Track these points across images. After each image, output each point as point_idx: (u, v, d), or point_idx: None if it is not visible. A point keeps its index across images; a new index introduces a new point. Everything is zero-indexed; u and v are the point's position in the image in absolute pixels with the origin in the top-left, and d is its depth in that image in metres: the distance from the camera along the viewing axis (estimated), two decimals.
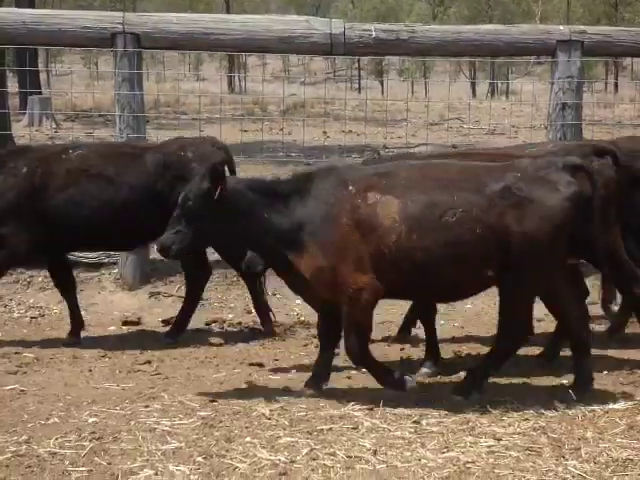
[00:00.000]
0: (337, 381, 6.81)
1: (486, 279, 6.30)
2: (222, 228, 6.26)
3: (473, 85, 48.83)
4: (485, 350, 7.23)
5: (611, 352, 7.68)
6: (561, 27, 10.25)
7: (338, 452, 5.47)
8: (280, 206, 6.28)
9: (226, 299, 8.87)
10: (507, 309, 6.36)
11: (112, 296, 8.43)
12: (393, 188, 6.21)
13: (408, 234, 6.09)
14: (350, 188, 6.25)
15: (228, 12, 51.58)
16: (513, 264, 6.13)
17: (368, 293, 6.21)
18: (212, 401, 6.34)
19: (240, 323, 8.56)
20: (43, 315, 8.58)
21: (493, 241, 6.11)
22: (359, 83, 51.76)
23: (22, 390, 6.62)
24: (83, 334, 8.04)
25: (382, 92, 43.00)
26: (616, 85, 52.93)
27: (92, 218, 7.70)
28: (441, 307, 7.82)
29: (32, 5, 27.31)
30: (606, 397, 6.53)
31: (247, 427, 5.86)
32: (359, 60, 46.50)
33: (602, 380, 6.95)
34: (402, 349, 7.79)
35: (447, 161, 6.98)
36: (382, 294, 6.32)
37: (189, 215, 6.23)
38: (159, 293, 9.17)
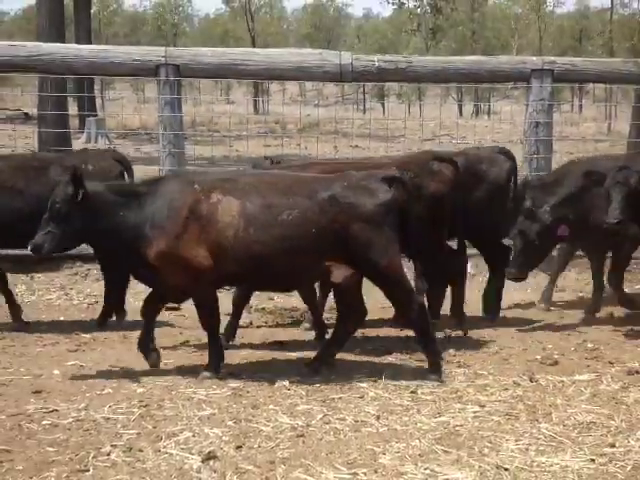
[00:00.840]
0: (346, 358, 6.79)
1: (318, 272, 6.26)
2: (88, 227, 6.16)
3: (460, 106, 48.58)
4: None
5: (577, 331, 7.65)
6: (534, 58, 10.21)
7: (347, 417, 5.47)
8: (135, 205, 6.18)
9: None
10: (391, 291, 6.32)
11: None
12: (234, 190, 6.16)
13: (245, 229, 6.04)
14: (195, 187, 6.18)
15: (254, 46, 51.47)
16: (349, 257, 6.12)
17: (206, 278, 6.14)
18: (240, 374, 6.33)
19: (264, 308, 8.54)
20: (98, 302, 8.56)
21: (324, 239, 6.06)
22: (364, 105, 51.60)
23: (81, 365, 6.63)
24: (133, 318, 8.02)
25: (383, 113, 42.87)
26: (580, 107, 52.70)
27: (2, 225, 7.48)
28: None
29: (89, 41, 27.33)
30: (573, 369, 6.50)
31: (270, 396, 5.86)
32: (364, 86, 46.36)
33: (570, 355, 6.93)
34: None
35: (285, 172, 6.93)
36: (223, 280, 6.35)
37: (57, 217, 6.15)
38: None
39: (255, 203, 6.09)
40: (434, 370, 6.25)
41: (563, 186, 7.67)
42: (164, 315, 8.15)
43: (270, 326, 7.98)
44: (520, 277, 7.65)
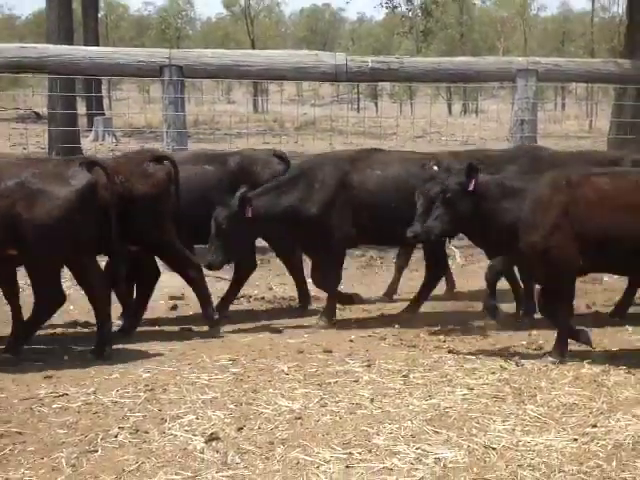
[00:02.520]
0: (341, 344, 6.79)
1: (8, 257, 6.19)
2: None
3: (449, 105, 48.55)
4: None
5: None
6: (520, 59, 10.21)
7: (342, 400, 5.46)
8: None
9: (251, 278, 8.81)
10: (35, 283, 6.28)
11: (161, 276, 8.36)
12: None
13: None
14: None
15: (253, 48, 51.36)
16: (27, 243, 6.03)
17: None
18: (241, 360, 6.32)
19: (263, 298, 8.53)
20: None
21: (7, 225, 5.97)
22: (358, 104, 51.56)
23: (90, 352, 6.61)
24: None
25: (376, 111, 42.85)
26: (563, 105, 52.74)
27: None
28: None
29: (97, 44, 27.27)
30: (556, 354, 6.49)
31: (269, 381, 5.85)
32: (358, 86, 46.29)
33: (553, 340, 6.91)
34: None
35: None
36: None
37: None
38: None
39: None
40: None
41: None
42: (169, 303, 8.16)
43: (269, 314, 7.96)
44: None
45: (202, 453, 4.67)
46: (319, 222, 7.24)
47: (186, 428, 5.00)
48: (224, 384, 5.79)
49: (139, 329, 7.25)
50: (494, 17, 67.33)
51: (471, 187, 6.28)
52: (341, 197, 7.31)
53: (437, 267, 7.77)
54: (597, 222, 6.10)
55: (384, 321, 7.55)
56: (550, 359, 6.28)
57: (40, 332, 6.87)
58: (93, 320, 6.76)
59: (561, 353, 6.31)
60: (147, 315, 7.62)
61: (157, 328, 7.40)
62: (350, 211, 7.33)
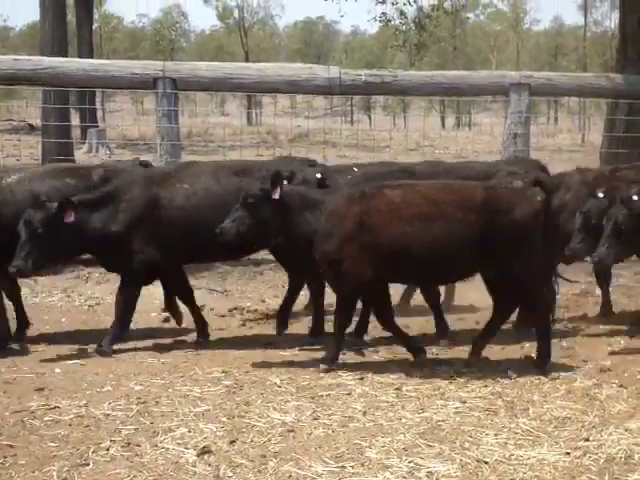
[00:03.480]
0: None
1: None
2: None
3: (443, 119, 48.72)
4: None
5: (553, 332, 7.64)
6: (513, 73, 10.26)
7: (335, 413, 5.46)
8: None
9: (244, 290, 8.83)
10: None
11: (153, 289, 8.35)
12: None
13: None
14: None
15: (247, 60, 51.44)
16: None
17: None
18: (234, 373, 6.31)
19: (256, 310, 8.51)
20: (99, 304, 8.54)
21: None
22: (352, 117, 51.72)
23: (82, 364, 6.60)
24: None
25: (370, 124, 42.95)
26: (556, 119, 52.96)
27: None
28: None
29: (91, 56, 27.31)
30: (549, 367, 6.50)
31: (262, 393, 5.84)
32: (352, 98, 46.40)
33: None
34: None
35: None
36: None
37: None
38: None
39: None
40: None
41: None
42: (161, 316, 8.14)
43: (262, 326, 7.94)
44: None
45: (194, 467, 4.65)
46: (120, 242, 6.83)
47: (178, 441, 4.99)
48: (216, 397, 5.77)
49: (131, 341, 7.24)
50: (487, 31, 67.71)
51: (276, 195, 6.32)
52: (147, 217, 6.91)
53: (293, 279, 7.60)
54: (388, 233, 6.20)
55: (376, 333, 7.53)
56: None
57: (32, 344, 6.86)
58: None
59: (331, 359, 6.45)
60: (140, 327, 7.62)
61: (149, 340, 7.37)
62: (157, 231, 6.92)
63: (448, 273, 6.55)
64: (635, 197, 6.58)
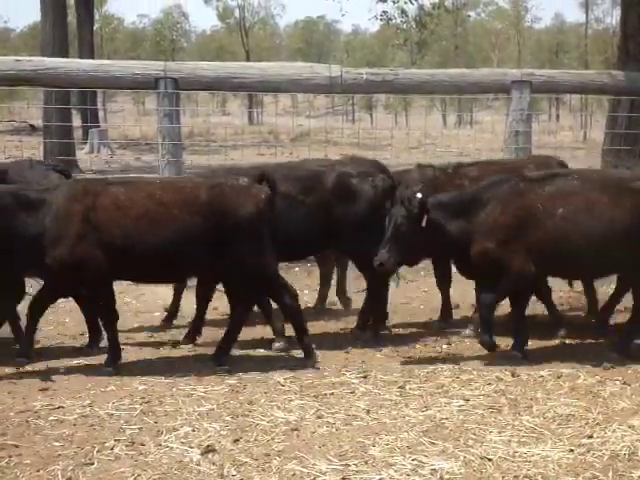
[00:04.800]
0: (337, 355, 6.79)
1: None
2: None
3: (444, 117, 48.74)
4: None
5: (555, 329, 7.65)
6: (514, 70, 10.22)
7: (339, 412, 5.47)
8: None
9: None
10: None
11: (157, 288, 8.36)
12: None
13: None
14: None
15: (248, 60, 51.49)
16: None
17: None
18: (237, 372, 6.32)
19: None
20: None
21: None
22: (353, 116, 51.75)
23: (87, 364, 6.61)
24: (135, 319, 8.00)
25: (371, 123, 42.96)
26: (557, 116, 52.93)
27: None
28: None
29: (92, 56, 27.34)
30: (552, 365, 6.51)
31: (266, 392, 5.85)
32: (353, 97, 46.41)
33: (549, 351, 6.94)
34: None
35: None
36: None
37: None
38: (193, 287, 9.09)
39: None
40: None
41: None
42: (164, 315, 8.15)
43: (265, 325, 7.95)
44: None
45: (198, 465, 4.67)
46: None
47: (182, 440, 5.00)
48: (220, 396, 5.78)
49: (135, 341, 7.26)
50: (488, 29, 67.71)
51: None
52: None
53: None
54: (114, 230, 6.16)
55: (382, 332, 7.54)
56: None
57: (36, 344, 6.88)
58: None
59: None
60: (143, 327, 7.63)
61: (152, 340, 7.39)
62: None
63: (172, 271, 6.45)
64: (419, 195, 6.51)
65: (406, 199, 6.49)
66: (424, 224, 6.43)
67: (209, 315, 7.56)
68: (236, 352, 6.90)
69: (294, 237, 6.93)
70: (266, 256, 6.40)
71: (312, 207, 7.07)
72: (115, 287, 6.56)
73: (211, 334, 7.27)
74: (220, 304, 8.17)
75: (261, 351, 6.98)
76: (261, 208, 6.34)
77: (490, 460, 4.71)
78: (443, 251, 6.84)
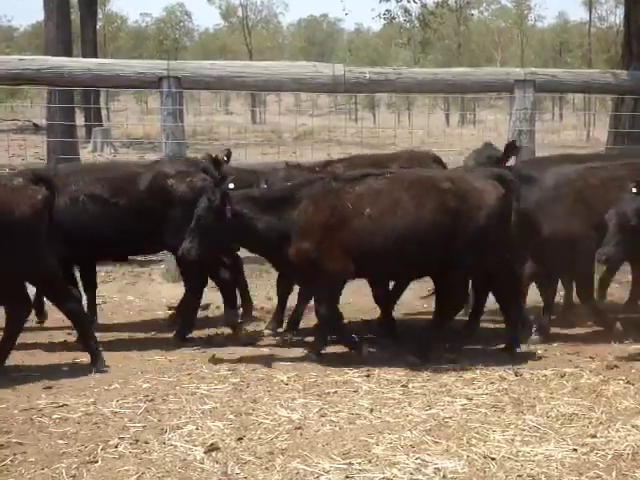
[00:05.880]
0: (341, 355, 6.79)
1: None
2: None
3: (447, 116, 48.70)
4: None
5: (559, 328, 7.65)
6: (517, 69, 10.21)
7: (342, 410, 5.47)
8: None
9: (250, 288, 8.79)
10: None
11: (160, 287, 8.38)
12: None
13: None
14: None
15: (251, 59, 51.52)
16: None
17: None
18: (241, 370, 6.33)
19: (262, 308, 8.53)
20: (105, 302, 8.55)
21: None
22: (356, 115, 51.70)
23: (89, 362, 6.61)
24: (137, 317, 8.02)
25: (374, 122, 42.90)
26: (561, 115, 52.88)
27: None
28: None
29: (95, 55, 27.35)
30: (556, 364, 6.51)
31: (269, 391, 5.86)
32: (356, 96, 46.42)
33: (553, 350, 6.94)
34: None
35: None
36: None
37: None
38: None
39: None
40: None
41: None
42: (168, 313, 8.16)
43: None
44: None
45: (202, 463, 4.68)
46: None
47: (186, 438, 5.01)
48: (223, 394, 5.80)
49: (137, 339, 7.27)
50: (491, 28, 67.69)
51: None
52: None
53: None
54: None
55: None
56: None
57: (40, 342, 6.89)
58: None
59: None
60: (146, 325, 7.64)
61: (156, 338, 7.40)
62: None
63: None
64: (231, 185, 6.50)
65: (211, 191, 6.50)
66: (229, 215, 6.38)
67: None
68: (240, 349, 6.92)
69: (109, 238, 7.04)
70: (43, 257, 6.26)
71: (126, 208, 7.09)
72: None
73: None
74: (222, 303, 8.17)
75: (265, 350, 6.99)
76: (37, 208, 6.22)
77: (493, 459, 4.72)
78: (253, 245, 6.78)
